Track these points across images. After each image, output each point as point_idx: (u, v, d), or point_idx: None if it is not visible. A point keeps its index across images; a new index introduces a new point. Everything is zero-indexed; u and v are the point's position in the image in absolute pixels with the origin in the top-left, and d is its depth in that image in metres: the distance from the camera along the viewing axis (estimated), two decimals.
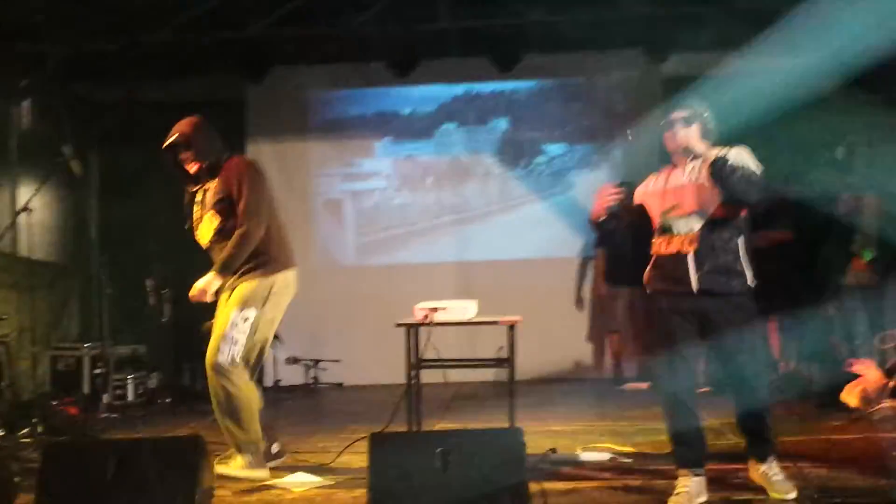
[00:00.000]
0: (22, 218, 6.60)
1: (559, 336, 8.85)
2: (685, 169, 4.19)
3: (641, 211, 4.36)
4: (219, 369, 4.43)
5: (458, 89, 9.53)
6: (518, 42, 8.67)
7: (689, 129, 4.16)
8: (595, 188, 4.54)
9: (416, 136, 9.55)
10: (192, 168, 4.75)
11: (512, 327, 4.98)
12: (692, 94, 4.40)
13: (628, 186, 4.48)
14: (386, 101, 9.57)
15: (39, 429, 6.15)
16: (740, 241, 4.06)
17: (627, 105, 9.26)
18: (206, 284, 4.52)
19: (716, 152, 4.02)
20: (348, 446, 5.26)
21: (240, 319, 4.53)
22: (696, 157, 4.14)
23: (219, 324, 4.60)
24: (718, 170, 3.92)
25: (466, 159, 9.55)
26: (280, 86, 9.30)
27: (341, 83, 9.56)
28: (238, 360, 4.48)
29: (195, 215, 4.79)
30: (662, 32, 8.50)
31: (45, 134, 8.53)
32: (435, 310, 4.99)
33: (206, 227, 4.70)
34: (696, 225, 4.06)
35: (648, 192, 4.36)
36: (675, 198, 4.16)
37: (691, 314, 4.06)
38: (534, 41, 8.84)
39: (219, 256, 4.61)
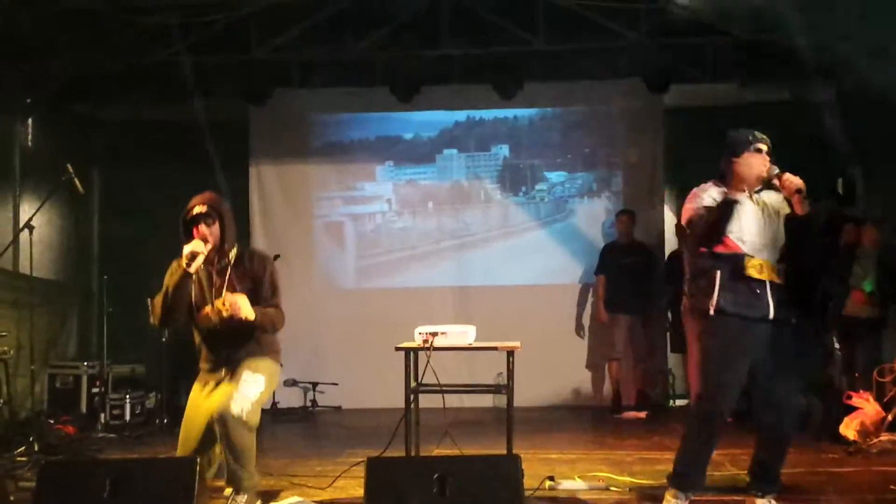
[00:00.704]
0: (23, 235, 6.61)
1: (558, 363, 8.84)
2: (754, 198, 4.27)
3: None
4: (230, 420, 4.35)
5: (460, 115, 9.57)
6: (520, 70, 8.72)
7: (769, 160, 4.24)
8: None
9: (417, 161, 9.59)
10: (206, 246, 4.52)
11: (511, 353, 4.97)
12: (680, 138, 4.51)
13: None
14: (388, 125, 9.61)
15: (36, 447, 6.13)
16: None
17: (628, 134, 9.31)
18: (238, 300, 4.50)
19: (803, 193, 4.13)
20: (345, 471, 5.25)
21: (252, 378, 4.51)
22: (760, 189, 4.26)
23: (224, 389, 4.54)
24: (799, 228, 4.13)
25: (467, 185, 9.58)
26: (282, 109, 9.34)
27: (344, 107, 9.60)
28: (248, 411, 4.43)
29: (203, 293, 4.63)
30: (663, 63, 8.56)
31: (47, 152, 8.58)
32: (435, 334, 4.99)
33: (214, 312, 4.59)
34: (775, 257, 4.21)
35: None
36: (758, 224, 4.23)
37: (758, 343, 4.16)
38: (535, 69, 8.90)
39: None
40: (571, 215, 9.39)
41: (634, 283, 8.34)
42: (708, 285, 4.19)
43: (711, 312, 4.17)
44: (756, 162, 4.23)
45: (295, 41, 8.13)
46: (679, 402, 8.71)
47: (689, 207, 4.28)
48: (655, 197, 9.20)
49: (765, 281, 4.14)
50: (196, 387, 4.66)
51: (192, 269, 4.44)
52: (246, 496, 4.44)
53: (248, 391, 4.45)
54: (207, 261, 4.55)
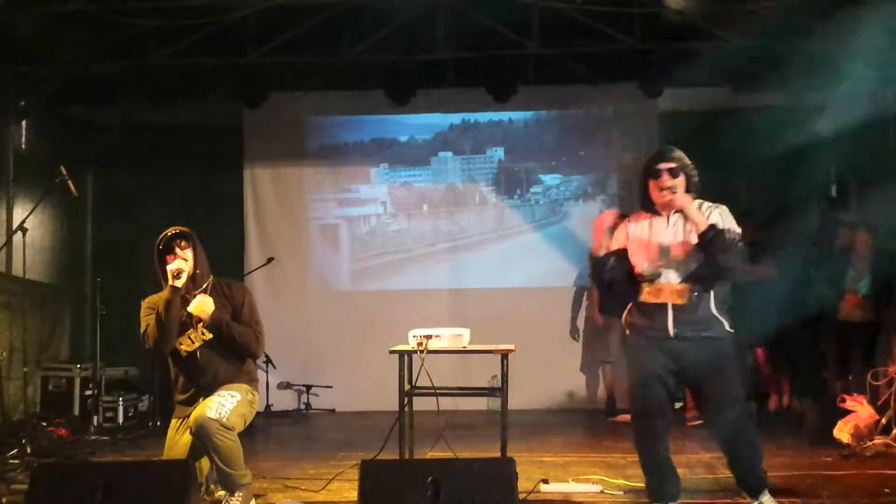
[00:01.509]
0: (17, 237, 6.60)
1: (552, 366, 8.83)
2: (669, 221, 4.25)
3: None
4: (210, 425, 4.32)
5: (455, 118, 9.58)
6: (514, 73, 8.73)
7: (675, 180, 4.19)
8: (590, 218, 4.57)
9: (412, 164, 9.59)
10: (182, 273, 4.53)
11: (505, 356, 4.97)
12: (675, 142, 4.45)
13: (625, 218, 4.51)
14: (383, 128, 9.61)
15: (28, 450, 6.12)
16: (713, 292, 4.17)
17: (622, 137, 9.33)
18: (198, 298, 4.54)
19: (702, 214, 4.11)
20: (339, 473, 5.25)
21: (228, 394, 4.51)
22: (678, 210, 4.20)
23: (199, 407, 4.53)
24: (710, 243, 4.03)
25: (462, 187, 9.59)
26: (277, 111, 9.33)
27: (338, 110, 9.61)
28: (226, 416, 4.41)
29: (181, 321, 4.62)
30: (657, 67, 8.57)
31: (41, 154, 8.56)
32: (429, 337, 4.98)
33: (193, 339, 4.62)
34: (677, 278, 4.16)
35: (632, 239, 4.35)
36: (659, 252, 4.21)
37: (668, 354, 4.17)
38: (530, 73, 8.91)
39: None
40: (566, 218, 9.40)
41: None
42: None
43: (626, 332, 4.39)
44: (654, 187, 4.25)
45: (290, 44, 8.12)
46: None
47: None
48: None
49: (664, 304, 4.16)
50: (173, 423, 4.64)
51: (179, 284, 4.47)
52: (241, 493, 4.43)
53: (224, 401, 4.45)
54: (184, 289, 4.56)
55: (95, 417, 7.67)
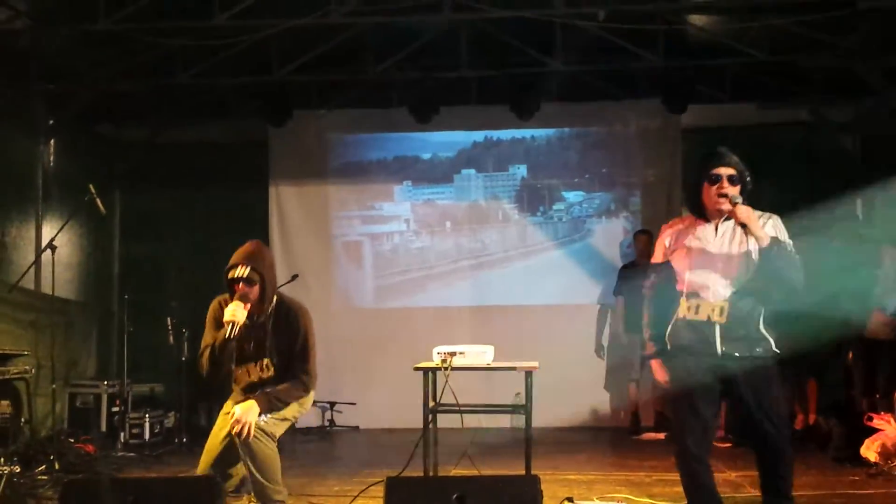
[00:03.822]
0: (45, 255, 6.68)
1: (577, 384, 8.79)
2: (718, 230, 4.05)
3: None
4: (251, 435, 4.38)
5: (478, 136, 9.61)
6: (537, 91, 8.75)
7: (734, 188, 3.98)
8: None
9: (435, 181, 9.63)
10: (246, 307, 4.49)
11: (529, 374, 4.97)
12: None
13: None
14: (406, 145, 9.66)
15: (56, 466, 6.17)
16: (762, 309, 4.01)
17: (646, 154, 9.32)
18: (246, 413, 4.42)
19: (760, 225, 3.92)
20: (364, 490, 5.24)
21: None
22: (729, 217, 4.01)
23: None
24: (772, 257, 3.87)
25: (485, 205, 9.60)
26: (302, 129, 9.41)
27: (362, 128, 9.67)
28: (267, 420, 4.45)
29: (241, 349, 4.64)
30: (681, 84, 8.57)
31: (70, 173, 8.67)
32: (453, 354, 5.00)
33: (254, 371, 4.66)
34: (725, 292, 3.99)
35: (677, 246, 4.16)
36: (708, 262, 4.03)
37: (713, 375, 4.00)
38: (553, 90, 8.93)
39: (270, 393, 4.58)
40: (589, 235, 9.39)
41: None
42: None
43: (668, 347, 4.14)
44: (710, 192, 4.03)
45: (315, 63, 8.19)
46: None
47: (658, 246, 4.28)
48: (673, 217, 9.15)
49: (713, 323, 3.97)
50: (227, 404, 4.65)
51: (231, 336, 4.45)
52: None
53: (264, 416, 4.47)
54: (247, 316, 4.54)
55: (122, 434, 7.73)
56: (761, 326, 3.99)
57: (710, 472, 4.10)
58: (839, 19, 7.04)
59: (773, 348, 4.01)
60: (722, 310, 3.97)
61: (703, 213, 4.11)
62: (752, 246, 3.95)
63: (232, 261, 4.55)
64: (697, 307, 4.01)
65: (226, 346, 4.49)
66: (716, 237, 4.04)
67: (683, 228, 4.18)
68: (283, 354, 4.62)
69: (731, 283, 3.98)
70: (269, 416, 4.47)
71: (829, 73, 8.34)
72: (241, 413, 4.38)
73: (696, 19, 7.85)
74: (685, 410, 4.06)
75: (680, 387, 4.10)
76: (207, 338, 4.61)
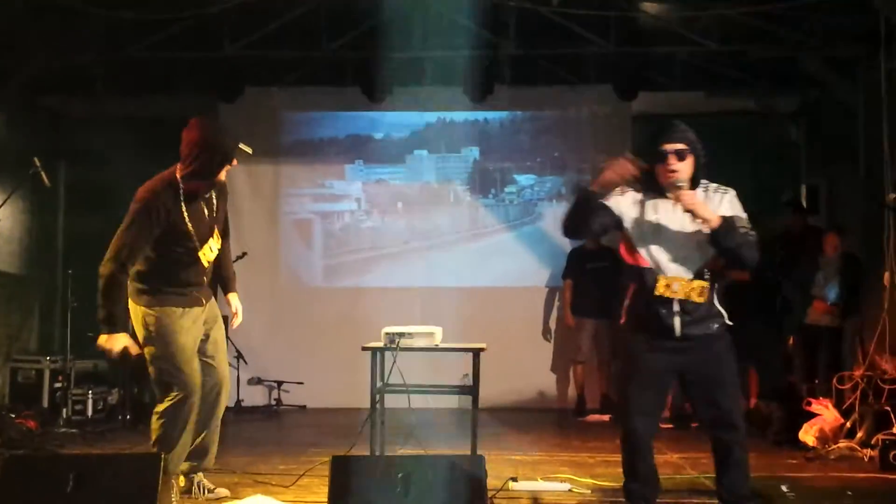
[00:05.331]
0: None
1: (524, 365, 8.89)
2: (676, 208, 3.98)
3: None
4: (224, 396, 4.59)
5: (431, 117, 9.58)
6: (490, 74, 8.75)
7: (683, 163, 3.95)
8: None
9: (387, 161, 9.59)
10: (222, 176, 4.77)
11: (477, 354, 5.01)
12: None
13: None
14: (359, 124, 9.61)
15: None
16: (717, 286, 4.03)
17: (597, 139, 9.37)
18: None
19: (710, 209, 3.90)
20: (309, 469, 5.25)
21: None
22: (687, 210, 3.94)
23: (223, 347, 4.78)
24: (725, 237, 3.85)
25: (437, 186, 9.60)
26: (253, 106, 9.28)
27: (314, 106, 9.59)
28: None
29: (201, 230, 4.66)
30: (632, 71, 8.65)
31: (14, 146, 8.48)
32: (402, 335, 5.02)
33: (212, 247, 4.71)
34: (684, 270, 3.97)
35: (628, 215, 4.15)
36: (666, 238, 4.01)
37: (670, 355, 4.00)
38: (506, 73, 8.95)
39: (227, 276, 4.88)
40: (540, 219, 9.44)
41: (600, 287, 8.35)
42: (622, 300, 4.16)
43: (622, 321, 4.17)
44: (660, 171, 3.99)
45: (267, 39, 8.11)
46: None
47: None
48: None
49: (671, 299, 3.95)
50: (175, 312, 4.56)
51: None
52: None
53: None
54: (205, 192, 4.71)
55: (64, 410, 7.61)
56: (716, 302, 4.00)
57: (652, 453, 4.14)
58: (788, 10, 7.16)
59: (726, 321, 4.03)
60: (699, 291, 3.95)
61: (660, 190, 4.05)
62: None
63: (233, 143, 4.87)
64: (654, 283, 3.98)
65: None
66: (673, 212, 4.00)
67: (641, 198, 4.13)
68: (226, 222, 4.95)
69: (690, 261, 3.97)
70: None
71: (777, 63, 8.47)
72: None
73: (648, 7, 7.91)
74: (636, 392, 4.07)
75: (633, 370, 4.11)
76: (128, 238, 4.62)
